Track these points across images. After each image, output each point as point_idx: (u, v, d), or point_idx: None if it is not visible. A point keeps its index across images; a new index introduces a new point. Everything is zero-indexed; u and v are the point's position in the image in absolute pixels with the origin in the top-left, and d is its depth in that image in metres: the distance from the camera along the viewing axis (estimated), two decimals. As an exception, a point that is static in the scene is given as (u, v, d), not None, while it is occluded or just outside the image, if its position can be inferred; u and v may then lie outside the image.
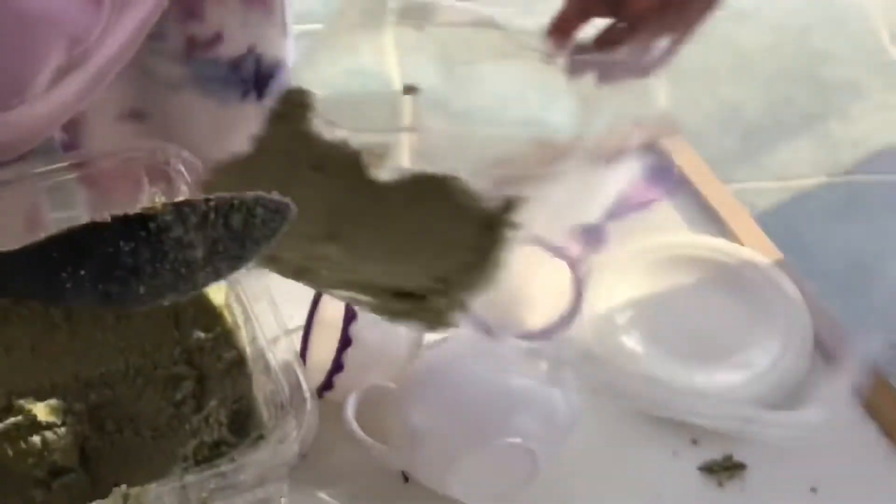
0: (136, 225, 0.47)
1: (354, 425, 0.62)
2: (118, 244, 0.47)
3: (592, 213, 0.76)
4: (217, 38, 0.74)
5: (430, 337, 0.66)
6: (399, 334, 0.66)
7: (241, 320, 0.60)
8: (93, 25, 0.54)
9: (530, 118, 0.75)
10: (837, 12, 1.91)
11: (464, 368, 0.63)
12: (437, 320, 0.52)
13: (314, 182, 0.56)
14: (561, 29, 0.57)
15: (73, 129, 0.78)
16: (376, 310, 0.52)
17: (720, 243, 0.77)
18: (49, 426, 0.58)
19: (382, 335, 0.65)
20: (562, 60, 0.60)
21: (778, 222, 1.59)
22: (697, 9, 0.57)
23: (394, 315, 0.52)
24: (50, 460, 0.58)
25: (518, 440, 0.60)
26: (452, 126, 0.69)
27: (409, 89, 0.73)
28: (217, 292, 0.62)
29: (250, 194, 0.48)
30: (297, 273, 0.54)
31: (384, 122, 0.65)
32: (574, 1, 0.57)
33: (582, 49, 0.58)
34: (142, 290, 0.48)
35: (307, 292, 0.66)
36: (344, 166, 0.56)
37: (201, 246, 0.48)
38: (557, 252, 0.70)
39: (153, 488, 0.49)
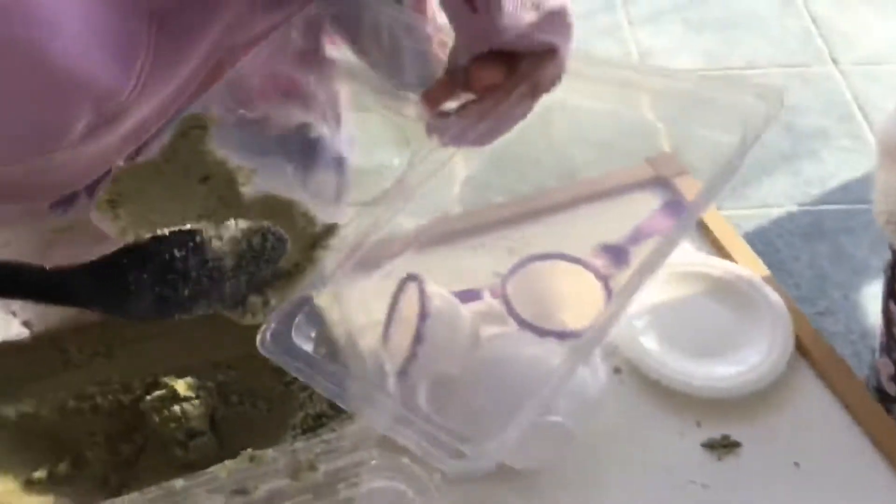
0: (187, 237, 0.47)
1: (424, 404, 0.62)
2: (173, 252, 0.47)
3: (615, 237, 0.76)
4: (265, 119, 0.69)
5: (487, 332, 0.66)
6: (462, 331, 0.66)
7: (336, 316, 0.61)
8: (121, 89, 0.48)
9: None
10: (811, 75, 1.89)
11: (514, 357, 0.63)
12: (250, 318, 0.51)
13: (198, 191, 0.54)
14: (431, 100, 0.56)
15: None
16: None
17: (717, 261, 0.76)
18: (186, 399, 0.59)
19: (449, 332, 0.65)
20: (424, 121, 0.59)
21: (759, 241, 1.58)
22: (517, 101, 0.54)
23: None
24: (187, 426, 0.58)
25: (557, 418, 0.60)
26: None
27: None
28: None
29: (265, 223, 0.49)
30: None
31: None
32: (443, 81, 0.56)
33: (444, 115, 0.58)
34: (186, 292, 0.48)
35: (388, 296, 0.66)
36: (223, 181, 0.54)
37: (230, 258, 0.48)
38: (587, 266, 0.70)
39: (271, 452, 0.50)
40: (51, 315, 0.63)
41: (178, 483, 0.47)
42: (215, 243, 0.48)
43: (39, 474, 0.58)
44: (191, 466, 0.57)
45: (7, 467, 0.59)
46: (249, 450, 0.49)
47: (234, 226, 0.49)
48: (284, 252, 0.50)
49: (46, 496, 0.57)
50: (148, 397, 0.60)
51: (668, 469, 0.63)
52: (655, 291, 0.74)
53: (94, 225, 0.53)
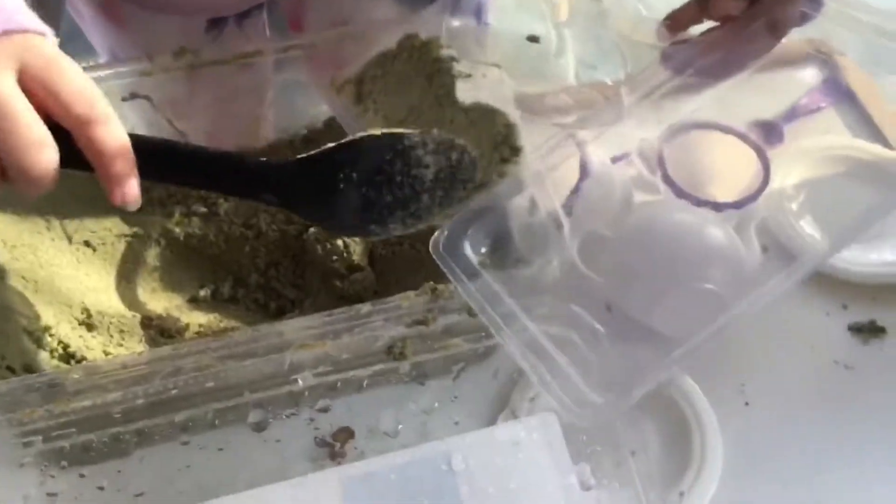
0: (396, 140, 0.48)
1: (577, 259, 0.63)
2: (383, 154, 0.48)
3: (770, 113, 0.75)
4: None
5: (641, 197, 0.67)
6: (616, 195, 0.67)
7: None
8: None
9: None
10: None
11: (668, 222, 0.64)
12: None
13: (419, 85, 0.55)
14: (675, 23, 0.55)
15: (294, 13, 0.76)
16: None
17: (872, 145, 0.75)
18: (349, 234, 0.61)
19: (603, 192, 0.66)
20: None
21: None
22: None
23: None
24: (349, 260, 0.61)
25: (711, 286, 0.61)
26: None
27: (532, 38, 0.74)
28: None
29: (460, 142, 0.49)
30: None
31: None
32: (690, 5, 0.55)
33: (681, 41, 0.56)
34: (388, 198, 0.48)
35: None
36: (444, 83, 0.54)
37: (431, 168, 0.49)
38: (744, 139, 0.69)
39: (451, 286, 0.51)
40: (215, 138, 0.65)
41: (364, 308, 0.50)
42: (419, 152, 0.48)
43: (204, 293, 0.62)
44: (348, 299, 0.60)
45: (174, 284, 0.62)
46: (431, 283, 0.51)
47: (437, 136, 0.49)
48: (475, 174, 0.50)
49: (210, 314, 0.60)
50: (311, 230, 0.62)
51: (812, 348, 0.64)
52: (808, 171, 0.73)
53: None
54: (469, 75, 0.56)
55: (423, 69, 0.56)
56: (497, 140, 0.52)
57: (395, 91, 0.56)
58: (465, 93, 0.54)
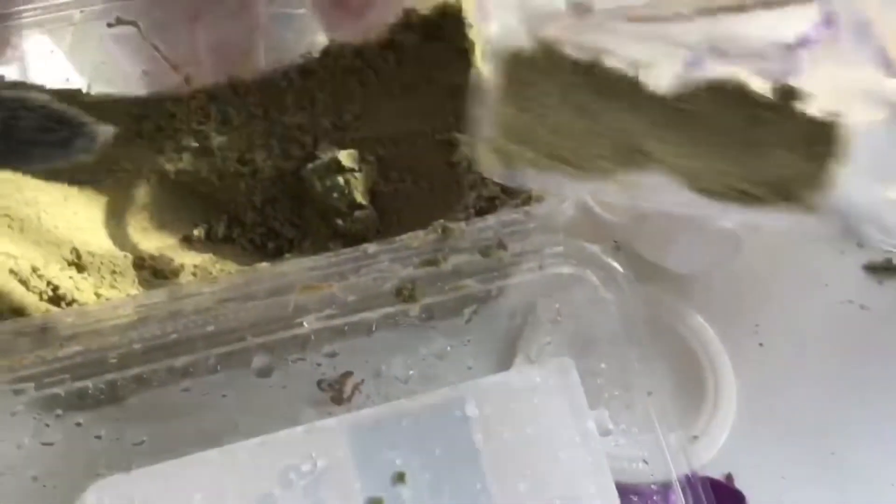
0: None
1: (591, 199, 0.61)
2: None
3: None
4: None
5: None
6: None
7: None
8: None
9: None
10: None
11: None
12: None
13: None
14: None
15: None
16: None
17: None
18: (349, 170, 0.59)
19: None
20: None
21: None
22: None
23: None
24: (349, 197, 0.58)
25: (729, 225, 0.59)
26: None
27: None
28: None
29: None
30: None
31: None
32: None
33: None
34: None
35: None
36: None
37: None
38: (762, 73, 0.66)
39: (463, 225, 0.49)
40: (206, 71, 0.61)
41: (370, 247, 0.47)
42: None
43: (198, 232, 0.59)
44: (351, 238, 0.58)
45: (166, 223, 0.59)
46: (442, 221, 0.49)
47: None
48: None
49: (204, 254, 0.58)
50: (309, 165, 0.59)
51: (826, 286, 0.63)
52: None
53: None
54: None
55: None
56: None
57: None
58: None
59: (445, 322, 0.53)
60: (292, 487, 0.42)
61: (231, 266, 0.56)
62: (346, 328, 0.51)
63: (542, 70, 0.44)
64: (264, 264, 0.48)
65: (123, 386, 0.49)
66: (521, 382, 0.46)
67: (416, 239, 0.48)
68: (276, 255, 0.59)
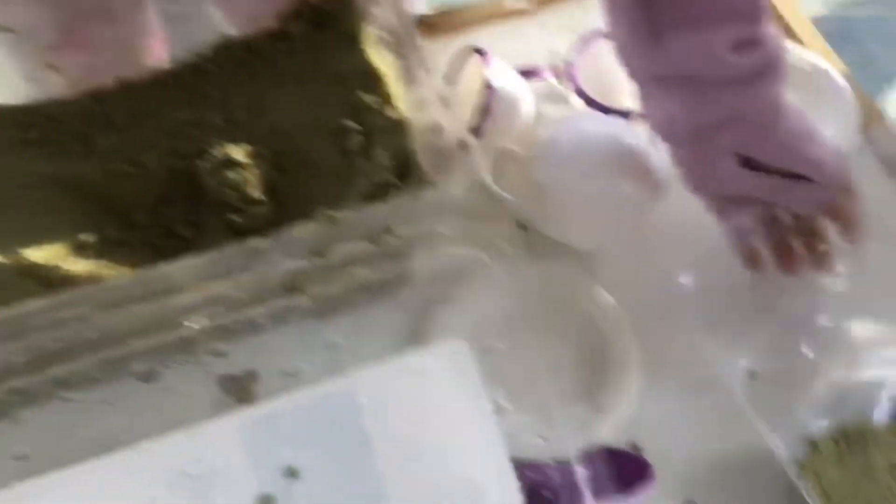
0: None
1: (489, 179, 0.61)
2: None
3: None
4: None
5: (551, 110, 0.64)
6: (524, 108, 0.64)
7: (403, 84, 0.58)
8: None
9: None
10: None
11: (580, 134, 0.62)
12: None
13: None
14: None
15: None
16: None
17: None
18: (243, 165, 0.58)
19: (511, 107, 0.63)
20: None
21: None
22: None
23: None
24: (244, 192, 0.57)
25: (626, 194, 0.59)
26: None
27: None
28: (381, 60, 0.59)
29: None
30: None
31: None
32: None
33: None
34: None
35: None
36: None
37: None
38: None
39: (350, 214, 0.49)
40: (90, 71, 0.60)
41: (260, 243, 0.46)
42: None
43: (90, 237, 0.57)
44: (247, 234, 0.57)
45: (53, 229, 0.57)
46: (329, 211, 0.48)
47: None
48: None
49: (98, 260, 0.56)
50: (201, 162, 0.58)
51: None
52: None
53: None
54: None
55: None
56: None
57: None
58: None
59: (339, 313, 0.52)
60: (178, 490, 0.41)
61: (126, 271, 0.55)
62: (236, 326, 0.50)
63: None
64: (147, 267, 0.46)
65: (4, 400, 0.47)
66: (413, 366, 0.45)
67: (304, 230, 0.47)
68: (173, 255, 0.58)
